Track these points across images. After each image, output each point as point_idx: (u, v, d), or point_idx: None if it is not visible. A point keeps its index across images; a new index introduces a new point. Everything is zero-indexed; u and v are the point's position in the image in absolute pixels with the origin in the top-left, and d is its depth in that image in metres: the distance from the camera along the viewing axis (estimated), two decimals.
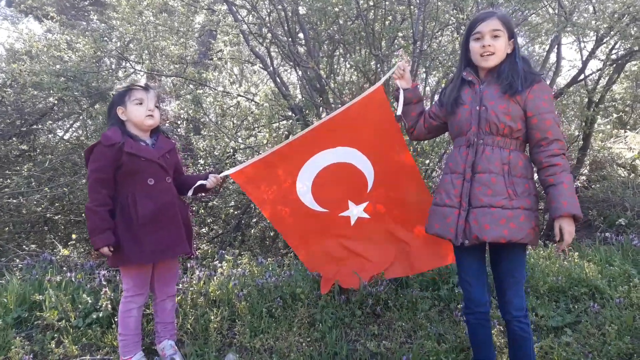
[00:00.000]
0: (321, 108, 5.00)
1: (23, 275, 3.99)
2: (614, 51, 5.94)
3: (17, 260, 4.64)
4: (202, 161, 5.76)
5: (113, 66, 6.60)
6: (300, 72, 5.17)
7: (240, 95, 5.95)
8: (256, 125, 5.94)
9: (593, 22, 5.35)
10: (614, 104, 7.45)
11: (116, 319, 3.08)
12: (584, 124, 6.21)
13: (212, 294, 3.64)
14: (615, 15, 5.07)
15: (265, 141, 4.95)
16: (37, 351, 3.08)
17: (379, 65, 4.70)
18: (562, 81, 7.22)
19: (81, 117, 7.34)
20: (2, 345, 3.05)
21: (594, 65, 6.10)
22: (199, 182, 2.93)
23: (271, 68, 5.23)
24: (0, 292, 3.58)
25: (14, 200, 5.60)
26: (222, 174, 3.07)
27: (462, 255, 2.49)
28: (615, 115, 7.79)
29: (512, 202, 2.25)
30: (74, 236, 5.34)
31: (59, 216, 5.85)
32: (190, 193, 2.96)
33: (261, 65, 5.55)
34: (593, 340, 3.04)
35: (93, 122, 7.13)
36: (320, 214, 3.13)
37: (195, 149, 6.03)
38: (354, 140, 2.98)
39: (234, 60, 6.35)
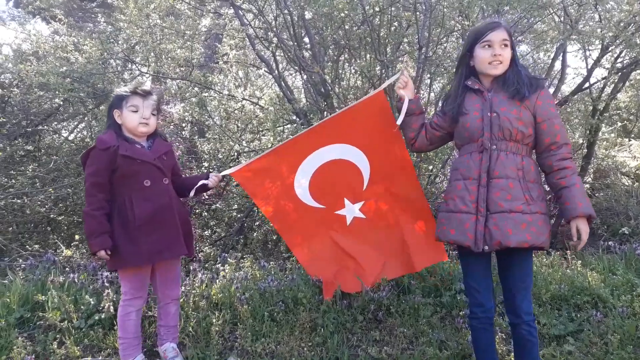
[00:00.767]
0: (325, 112, 5.00)
1: (26, 275, 4.00)
2: (619, 60, 5.93)
3: (20, 260, 4.65)
4: (206, 164, 5.77)
5: (119, 68, 6.61)
6: (305, 77, 5.18)
7: (245, 99, 5.96)
8: (261, 129, 5.95)
9: (599, 30, 5.34)
10: (618, 112, 7.44)
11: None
12: (588, 132, 6.19)
13: (214, 297, 3.65)
14: (621, 24, 5.07)
15: (269, 145, 4.96)
16: (39, 352, 3.09)
17: (383, 70, 4.71)
18: (566, 89, 7.21)
19: (86, 118, 7.37)
20: (4, 345, 3.06)
21: (599, 73, 6.08)
22: (200, 182, 2.94)
23: (276, 72, 5.25)
24: (3, 292, 3.59)
25: (18, 200, 5.61)
26: (222, 173, 3.10)
27: (469, 261, 2.49)
28: (619, 124, 7.77)
29: (530, 207, 2.28)
30: (77, 237, 5.35)
31: (62, 217, 5.86)
32: (192, 194, 2.97)
33: (266, 69, 5.56)
34: (595, 349, 3.03)
35: (98, 124, 7.15)
36: (316, 210, 3.13)
37: (200, 151, 6.04)
38: (352, 138, 2.99)
39: (240, 64, 6.37)
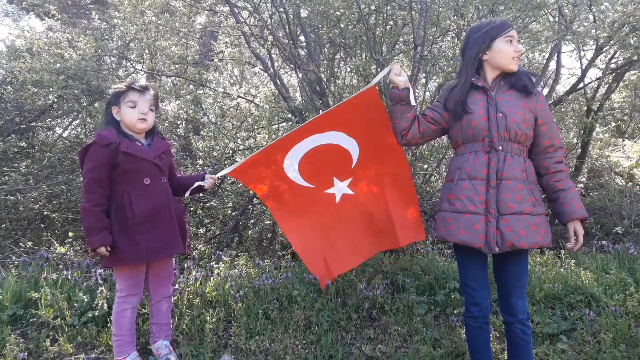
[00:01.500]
0: (321, 111, 5.00)
1: (19, 272, 3.98)
2: (613, 60, 5.97)
3: (14, 257, 4.62)
4: (200, 161, 5.75)
5: (113, 65, 6.59)
6: (300, 75, 5.18)
7: (240, 97, 5.94)
8: (256, 127, 5.93)
9: (593, 31, 5.37)
10: (612, 112, 7.49)
11: (112, 318, 3.07)
12: (582, 132, 6.23)
13: (208, 294, 3.65)
14: (615, 25, 5.09)
15: (264, 142, 4.95)
16: (32, 349, 3.07)
17: (379, 69, 4.71)
18: (561, 89, 7.24)
19: (80, 115, 7.33)
20: None
21: (594, 73, 6.13)
22: (197, 184, 2.94)
23: (272, 70, 5.24)
24: None
25: (12, 197, 5.58)
26: (218, 174, 3.09)
27: (466, 261, 2.48)
28: (613, 124, 7.81)
29: (536, 209, 2.32)
30: (70, 234, 5.33)
31: (56, 214, 5.83)
32: (187, 194, 2.96)
33: (262, 67, 5.55)
34: (588, 348, 3.05)
35: (92, 121, 7.12)
36: (306, 189, 3.13)
37: (195, 149, 6.02)
38: (343, 126, 3.00)
39: (235, 62, 6.35)
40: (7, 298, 3.45)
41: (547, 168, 2.40)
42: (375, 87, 2.91)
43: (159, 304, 2.97)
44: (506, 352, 2.59)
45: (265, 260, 4.50)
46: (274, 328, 3.31)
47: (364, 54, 5.02)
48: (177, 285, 3.65)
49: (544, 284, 3.79)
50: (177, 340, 3.18)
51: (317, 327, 3.34)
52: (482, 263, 2.46)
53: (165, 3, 5.95)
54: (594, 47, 5.80)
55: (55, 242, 5.25)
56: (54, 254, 4.59)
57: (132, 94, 2.71)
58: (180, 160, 5.78)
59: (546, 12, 5.55)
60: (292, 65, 5.34)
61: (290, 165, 3.06)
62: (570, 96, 6.22)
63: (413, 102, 2.62)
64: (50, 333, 3.22)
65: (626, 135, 8.16)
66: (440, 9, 4.78)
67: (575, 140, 6.53)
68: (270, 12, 5.18)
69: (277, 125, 5.54)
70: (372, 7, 4.73)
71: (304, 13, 5.25)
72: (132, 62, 6.14)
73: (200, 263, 4.31)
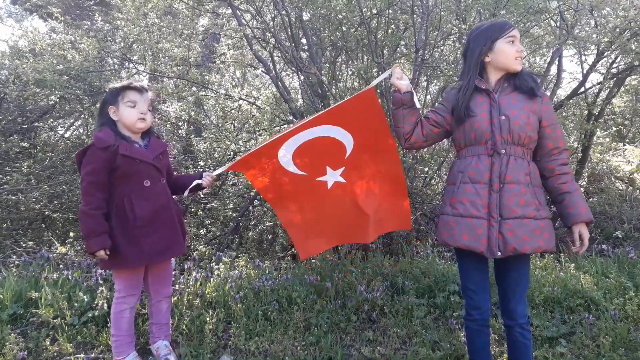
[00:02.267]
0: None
1: (20, 271, 3.99)
2: (614, 65, 5.98)
3: (14, 257, 4.64)
4: (202, 163, 5.76)
5: (116, 66, 6.61)
6: (302, 77, 5.19)
7: (242, 99, 5.96)
8: (257, 129, 5.95)
9: (594, 36, 5.39)
10: (613, 117, 7.50)
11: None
12: (583, 136, 6.24)
13: (208, 295, 3.65)
14: (617, 30, 5.11)
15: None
16: (32, 348, 3.08)
17: (380, 72, 4.73)
18: (562, 93, 7.26)
19: (82, 116, 7.36)
20: None
21: (595, 78, 6.14)
22: (195, 182, 2.92)
23: (273, 73, 5.25)
24: None
25: (13, 197, 5.60)
26: (215, 172, 3.06)
27: (468, 264, 2.47)
28: (614, 129, 7.82)
29: (540, 213, 2.29)
30: (71, 234, 5.34)
31: (57, 214, 5.85)
32: (186, 193, 2.95)
33: (264, 70, 5.57)
34: (587, 351, 3.05)
35: (94, 121, 7.14)
36: (299, 177, 3.15)
37: (196, 150, 6.04)
38: (339, 121, 3.01)
39: (237, 64, 6.37)
40: (8, 297, 3.46)
41: (552, 170, 2.37)
42: (374, 89, 2.91)
43: (159, 304, 2.97)
44: (506, 355, 2.59)
45: (266, 262, 4.51)
46: (274, 329, 3.32)
47: (366, 57, 5.03)
48: (177, 285, 3.66)
49: (543, 288, 3.79)
50: (176, 341, 3.19)
51: (316, 328, 3.34)
52: (483, 267, 2.45)
53: (168, 5, 5.97)
54: (595, 52, 5.81)
55: (56, 242, 5.26)
56: (55, 254, 4.60)
57: (131, 94, 2.67)
58: (181, 161, 5.79)
59: (547, 16, 5.57)
60: (293, 68, 5.36)
61: (285, 156, 3.07)
62: (571, 100, 6.23)
63: (418, 105, 2.62)
64: (50, 332, 3.23)
65: (627, 140, 8.18)
66: (442, 12, 4.79)
67: (576, 145, 6.53)
68: (273, 15, 5.19)
69: (278, 127, 5.55)
70: (374, 11, 4.75)
71: (306, 16, 5.27)
72: (134, 63, 6.16)
73: (201, 264, 4.31)
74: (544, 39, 5.88)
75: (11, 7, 10.17)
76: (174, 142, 6.12)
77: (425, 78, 5.41)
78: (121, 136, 2.66)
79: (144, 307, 3.38)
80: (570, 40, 5.26)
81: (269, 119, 5.07)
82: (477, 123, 2.37)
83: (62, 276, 3.69)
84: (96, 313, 3.33)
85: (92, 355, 3.07)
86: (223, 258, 4.20)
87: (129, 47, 6.70)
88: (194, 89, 5.68)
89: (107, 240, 2.54)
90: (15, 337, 3.10)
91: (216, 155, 5.80)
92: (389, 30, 4.87)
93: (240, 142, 5.65)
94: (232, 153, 5.71)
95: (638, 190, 7.09)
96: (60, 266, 4.14)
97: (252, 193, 5.48)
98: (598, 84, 6.10)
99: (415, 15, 4.69)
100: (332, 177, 3.16)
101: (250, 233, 5.97)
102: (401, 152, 4.63)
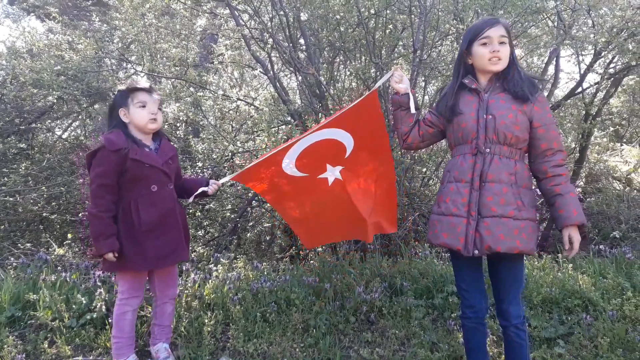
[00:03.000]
0: (320, 114, 5.02)
1: (17, 273, 3.98)
2: (611, 65, 5.99)
3: (12, 259, 4.62)
4: (200, 164, 5.76)
5: (114, 67, 6.61)
6: (300, 78, 5.19)
7: (240, 100, 5.96)
8: (255, 130, 5.95)
9: (592, 36, 5.39)
10: (611, 117, 7.51)
11: (110, 320, 3.08)
12: (580, 136, 6.25)
13: (206, 297, 3.65)
14: (614, 30, 5.11)
15: (264, 145, 4.96)
16: (30, 351, 3.07)
17: (378, 73, 4.73)
18: (560, 93, 7.27)
19: (80, 117, 7.35)
20: None
21: (592, 78, 6.15)
22: (200, 189, 2.92)
23: (271, 73, 5.25)
24: None
25: (11, 199, 5.59)
26: (221, 181, 3.07)
27: (459, 264, 2.49)
28: (612, 129, 7.84)
29: (521, 213, 2.27)
30: (69, 235, 5.34)
31: (55, 215, 5.84)
32: (191, 199, 2.96)
33: (262, 70, 5.57)
34: (585, 352, 3.06)
35: (92, 122, 7.15)
36: (301, 178, 3.17)
37: (194, 151, 6.04)
38: (341, 124, 3.03)
39: (235, 64, 6.37)
40: (5, 300, 3.45)
41: (545, 172, 2.34)
42: (376, 92, 2.93)
43: (164, 305, 2.96)
44: (504, 356, 2.60)
45: (264, 263, 4.51)
46: (272, 331, 3.32)
47: (364, 58, 5.03)
48: (177, 286, 3.66)
49: (541, 288, 3.79)
50: (175, 343, 3.18)
51: (315, 330, 3.35)
52: (475, 266, 2.45)
53: (165, 5, 5.96)
54: (592, 52, 5.82)
55: (53, 244, 5.26)
56: (53, 256, 4.59)
57: (141, 95, 2.67)
58: (179, 162, 5.79)
59: (545, 16, 5.57)
60: (292, 69, 5.36)
61: (289, 163, 3.09)
62: (568, 101, 6.24)
63: (413, 110, 2.64)
64: (48, 335, 3.22)
65: (624, 140, 8.20)
66: (439, 13, 4.80)
67: (573, 145, 6.54)
68: (271, 15, 5.19)
69: (276, 128, 5.55)
70: (372, 11, 4.75)
71: (304, 16, 5.27)
72: (132, 63, 6.15)
73: (199, 265, 4.31)
74: (542, 39, 5.89)
75: (8, 7, 10.15)
76: (172, 143, 6.11)
77: (423, 78, 5.42)
78: (132, 139, 2.65)
79: (142, 310, 3.38)
80: (567, 41, 5.26)
81: (267, 120, 5.06)
82: (464, 122, 2.39)
83: (60, 278, 3.68)
84: (94, 315, 3.32)
85: (91, 357, 3.07)
86: (221, 259, 4.20)
87: (127, 48, 6.70)
88: (191, 89, 5.68)
89: (115, 243, 2.55)
90: (13, 339, 3.09)
91: (214, 156, 5.80)
92: (387, 31, 4.88)
93: (238, 143, 5.65)
94: (230, 154, 5.70)
95: (635, 191, 7.11)
96: (58, 268, 4.14)
97: (249, 194, 5.48)
98: (595, 84, 6.11)
99: (413, 16, 4.70)
100: (332, 174, 3.19)
101: (248, 234, 5.97)
102: (400, 152, 4.63)
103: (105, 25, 7.52)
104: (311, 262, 4.34)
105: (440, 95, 2.98)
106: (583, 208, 6.08)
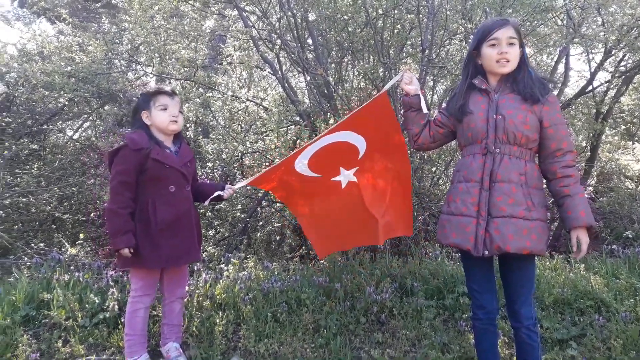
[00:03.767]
0: (328, 114, 5.02)
1: (31, 273, 4.02)
2: (622, 63, 5.94)
3: (26, 259, 4.67)
4: (210, 164, 5.79)
5: (123, 68, 6.64)
6: (308, 78, 5.20)
7: (249, 100, 5.98)
8: (264, 130, 5.97)
9: (602, 34, 5.35)
10: (622, 115, 7.44)
11: (123, 320, 3.11)
12: (591, 135, 6.21)
13: (217, 297, 3.67)
14: (624, 28, 5.08)
15: (273, 146, 4.97)
16: (44, 350, 3.11)
17: (386, 72, 4.73)
18: (569, 91, 7.22)
19: (91, 118, 7.41)
20: (9, 343, 3.08)
21: (603, 76, 6.10)
22: (216, 193, 2.98)
23: (280, 74, 5.26)
24: (9, 290, 3.61)
25: (24, 199, 5.65)
26: (237, 186, 3.16)
27: (470, 264, 2.49)
28: (623, 127, 7.77)
29: (531, 213, 2.26)
30: (81, 235, 5.38)
31: (67, 215, 5.89)
32: (206, 202, 3.02)
33: (270, 71, 5.58)
34: (598, 354, 3.04)
35: (102, 123, 7.19)
36: (313, 178, 3.19)
37: (204, 152, 6.06)
38: (352, 126, 3.04)
39: (244, 65, 6.39)
40: (20, 299, 3.49)
41: (554, 173, 2.32)
42: (387, 93, 2.94)
43: (172, 304, 3.00)
44: (515, 357, 2.59)
45: (274, 263, 4.52)
46: (283, 331, 3.33)
47: (372, 57, 5.03)
48: (187, 287, 3.68)
49: (553, 289, 3.78)
50: (187, 343, 3.20)
51: (325, 330, 3.35)
52: (486, 267, 2.45)
53: (174, 7, 5.99)
54: (602, 50, 5.78)
55: (66, 244, 5.30)
56: (65, 255, 4.63)
57: (162, 98, 2.78)
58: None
59: (554, 15, 5.54)
60: (300, 69, 5.36)
61: (300, 163, 3.12)
62: (579, 99, 6.20)
63: (425, 110, 2.65)
64: (62, 334, 3.26)
65: (636, 138, 8.11)
66: (448, 12, 4.79)
67: (584, 144, 6.50)
68: (279, 16, 5.20)
69: (285, 128, 5.56)
70: (380, 11, 4.74)
71: (311, 17, 5.27)
72: (142, 65, 6.19)
73: (210, 265, 4.33)
74: (551, 38, 5.85)
75: (19, 10, 10.24)
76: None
77: (431, 77, 5.41)
78: (155, 140, 2.74)
79: (154, 309, 3.40)
80: (577, 39, 5.23)
81: (276, 120, 5.07)
82: (474, 122, 2.39)
83: (73, 278, 3.72)
84: (107, 315, 3.35)
85: (104, 356, 3.10)
86: (232, 259, 4.22)
87: (136, 49, 6.73)
88: (200, 90, 5.70)
89: (132, 239, 2.61)
90: (27, 338, 3.13)
91: (224, 156, 5.81)
92: (395, 30, 4.87)
93: (247, 143, 5.66)
94: (239, 154, 5.72)
95: None
96: (71, 267, 4.17)
97: (259, 194, 5.50)
98: (606, 82, 6.07)
99: (421, 15, 4.68)
100: (346, 177, 3.20)
101: (258, 234, 5.99)
102: (409, 152, 4.63)
103: (114, 27, 7.57)
104: (321, 262, 4.35)
105: (450, 95, 2.98)
106: (595, 208, 6.08)
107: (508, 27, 2.33)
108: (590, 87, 6.03)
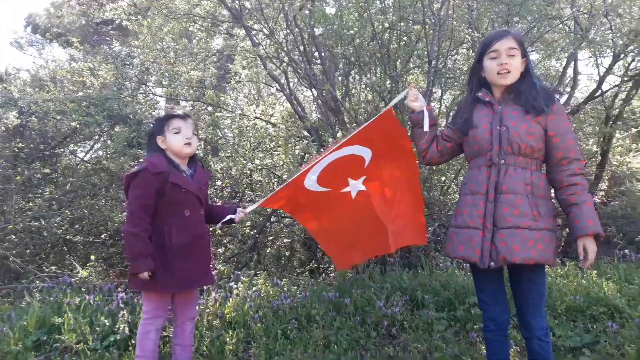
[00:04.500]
0: (336, 128, 5.04)
1: (43, 297, 4.06)
2: (631, 67, 5.89)
3: (37, 282, 4.73)
4: (219, 182, 5.82)
5: (132, 90, 6.74)
6: (315, 93, 5.23)
7: (258, 117, 6.03)
8: (272, 146, 6.00)
9: (610, 39, 5.32)
10: (633, 117, 7.36)
11: (133, 342, 3.12)
12: (602, 139, 6.14)
13: (227, 315, 3.67)
14: (632, 33, 5.04)
15: (281, 162, 5.00)
16: None
17: (393, 85, 4.74)
18: (579, 95, 7.15)
19: (101, 139, 7.52)
20: None
21: (612, 80, 6.06)
22: (228, 217, 2.99)
23: (287, 91, 5.30)
24: (20, 315, 3.64)
25: (36, 223, 5.72)
26: (248, 209, 3.14)
27: (479, 276, 2.47)
28: (634, 130, 7.67)
29: (537, 223, 2.24)
30: (92, 257, 5.43)
31: (78, 237, 5.96)
32: (218, 225, 3.03)
33: (278, 88, 5.63)
34: None
35: (113, 144, 7.29)
36: (323, 193, 3.20)
37: (213, 170, 6.11)
38: (358, 141, 3.06)
39: (252, 82, 6.46)
40: (32, 324, 3.51)
41: (560, 182, 2.31)
42: (392, 109, 2.96)
43: (184, 325, 3.00)
44: None
45: (284, 279, 4.51)
46: (294, 348, 3.31)
47: (379, 70, 5.05)
48: (196, 306, 3.69)
49: (565, 296, 3.72)
50: None
51: (336, 346, 3.33)
52: (496, 278, 2.43)
53: (183, 28, 6.08)
54: (611, 54, 5.74)
55: (77, 266, 5.35)
56: (76, 278, 4.68)
57: (176, 121, 2.78)
58: None
59: (561, 22, 5.52)
60: (307, 84, 5.40)
61: (310, 180, 3.14)
62: (588, 104, 6.15)
63: (426, 128, 2.67)
64: (74, 358, 3.27)
65: None
66: (454, 22, 4.79)
67: (595, 148, 6.43)
68: (285, 32, 5.26)
69: (293, 144, 5.59)
70: (386, 24, 4.77)
71: (318, 31, 5.32)
72: (151, 87, 6.29)
73: (220, 283, 4.34)
74: (559, 44, 5.82)
75: (32, 36, 10.47)
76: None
77: (439, 87, 5.40)
78: (172, 164, 2.75)
79: (164, 330, 3.41)
80: (584, 44, 5.20)
81: (284, 137, 5.11)
82: (478, 135, 2.39)
83: (84, 301, 3.74)
84: (118, 337, 3.36)
85: None
86: (241, 277, 4.22)
87: (146, 70, 6.84)
88: (210, 109, 5.77)
89: (152, 263, 2.61)
90: None
91: (233, 173, 5.85)
92: (401, 43, 4.89)
93: (256, 160, 5.70)
94: (248, 171, 5.75)
95: None
96: (82, 289, 4.20)
97: (268, 210, 5.51)
98: (615, 86, 6.02)
99: (427, 27, 4.70)
100: (355, 187, 3.20)
101: (267, 250, 5.99)
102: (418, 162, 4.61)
103: (124, 49, 7.71)
104: (331, 275, 4.34)
105: (455, 107, 2.99)
106: (607, 212, 5.97)
107: (508, 38, 2.33)
108: (599, 92, 5.98)
